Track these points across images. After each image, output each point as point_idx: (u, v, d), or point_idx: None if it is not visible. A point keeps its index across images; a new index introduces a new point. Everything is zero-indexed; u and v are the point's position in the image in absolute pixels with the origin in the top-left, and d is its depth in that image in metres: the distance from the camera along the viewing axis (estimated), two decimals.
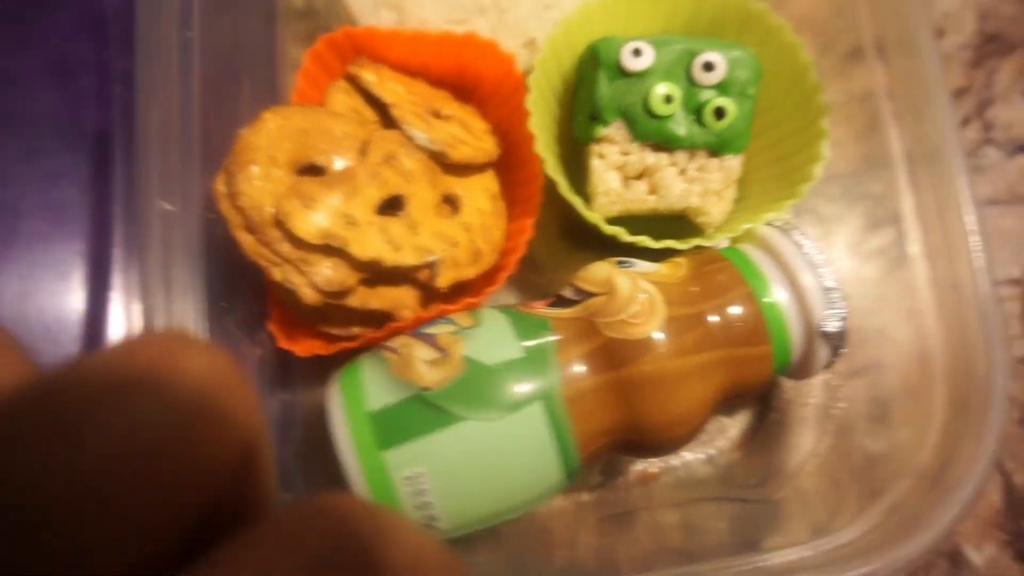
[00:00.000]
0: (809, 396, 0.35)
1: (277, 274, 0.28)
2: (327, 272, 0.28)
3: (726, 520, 0.33)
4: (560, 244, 0.36)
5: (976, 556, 0.35)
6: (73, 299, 0.34)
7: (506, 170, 0.34)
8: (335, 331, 0.31)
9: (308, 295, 0.28)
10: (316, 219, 0.27)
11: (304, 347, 0.31)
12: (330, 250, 0.28)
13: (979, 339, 0.27)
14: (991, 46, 0.41)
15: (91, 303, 0.34)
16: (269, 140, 0.28)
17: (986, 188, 0.40)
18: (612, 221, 0.32)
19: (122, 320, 0.34)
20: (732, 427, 0.35)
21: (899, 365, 0.31)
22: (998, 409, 0.26)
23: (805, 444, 0.34)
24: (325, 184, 0.28)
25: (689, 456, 0.35)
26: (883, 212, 0.31)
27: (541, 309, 0.29)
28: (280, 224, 0.27)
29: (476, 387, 0.26)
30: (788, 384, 0.35)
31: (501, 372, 0.26)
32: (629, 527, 0.34)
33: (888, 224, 0.31)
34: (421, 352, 0.27)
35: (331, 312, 0.31)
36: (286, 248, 0.28)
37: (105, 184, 0.35)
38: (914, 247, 0.30)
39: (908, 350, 0.30)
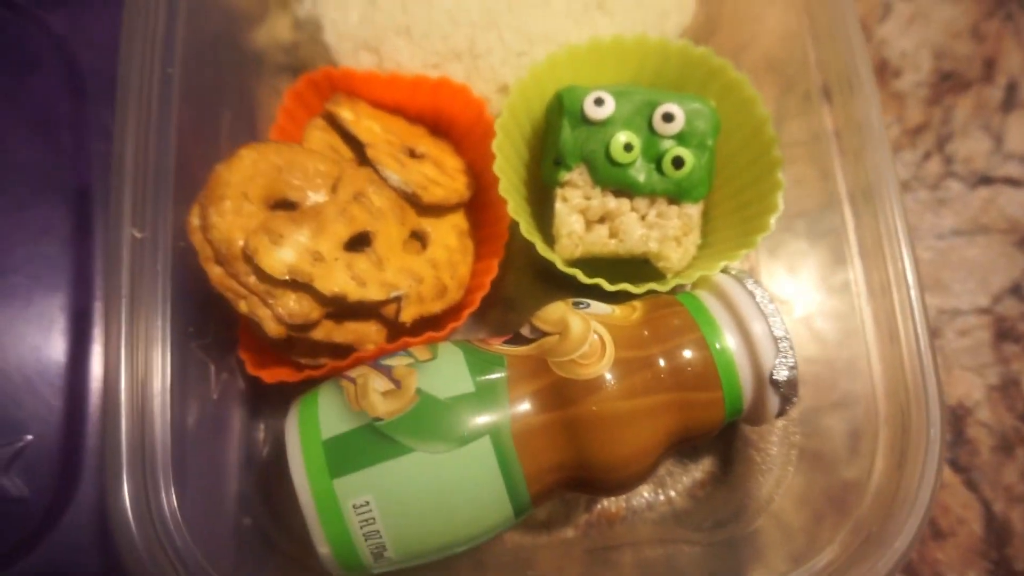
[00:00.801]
0: (775, 432, 0.35)
1: (243, 306, 0.29)
2: (291, 305, 0.29)
3: (709, 555, 0.34)
4: (535, 285, 0.37)
5: None
6: (54, 351, 0.34)
7: (476, 210, 0.35)
8: (303, 360, 0.32)
9: (272, 328, 0.29)
10: (283, 255, 0.29)
11: (271, 374, 0.32)
12: (296, 285, 0.29)
13: (915, 369, 0.29)
14: (947, 83, 0.43)
15: (72, 355, 0.34)
16: (243, 176, 0.30)
17: (951, 219, 0.40)
18: (577, 263, 0.32)
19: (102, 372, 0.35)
20: (703, 466, 0.36)
21: (867, 396, 0.31)
22: (935, 427, 0.28)
23: (777, 478, 0.35)
24: (294, 221, 0.29)
25: (672, 493, 0.35)
26: (843, 248, 0.32)
27: (497, 345, 0.29)
28: (248, 259, 0.28)
29: (427, 419, 0.27)
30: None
31: (452, 405, 0.27)
32: (614, 563, 0.34)
33: (846, 260, 0.32)
34: (376, 383, 0.28)
35: (298, 343, 0.32)
36: (252, 281, 0.29)
37: (86, 239, 0.36)
38: (860, 283, 0.31)
39: (869, 381, 0.31)
